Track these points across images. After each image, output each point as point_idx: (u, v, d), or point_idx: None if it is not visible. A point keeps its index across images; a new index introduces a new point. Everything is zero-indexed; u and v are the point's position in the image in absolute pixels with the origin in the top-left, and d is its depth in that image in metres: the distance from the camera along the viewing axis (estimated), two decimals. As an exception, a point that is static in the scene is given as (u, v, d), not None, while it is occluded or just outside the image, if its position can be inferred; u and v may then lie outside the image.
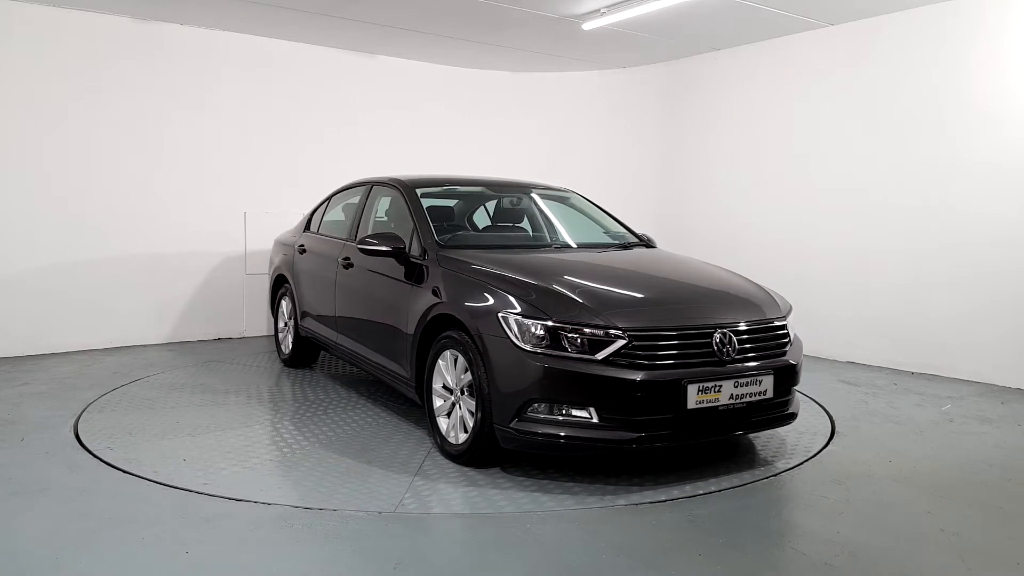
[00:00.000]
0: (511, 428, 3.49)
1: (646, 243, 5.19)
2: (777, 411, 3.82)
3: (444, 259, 4.18)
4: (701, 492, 3.54)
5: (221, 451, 4.05)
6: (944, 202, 6.02)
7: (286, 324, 6.16)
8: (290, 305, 6.03)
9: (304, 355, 6.02)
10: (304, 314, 5.77)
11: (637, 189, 8.56)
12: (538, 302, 3.57)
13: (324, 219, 5.90)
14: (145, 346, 6.95)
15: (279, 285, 6.31)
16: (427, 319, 4.04)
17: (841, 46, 6.66)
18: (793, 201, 7.10)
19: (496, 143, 8.83)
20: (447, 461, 3.90)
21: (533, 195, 5.41)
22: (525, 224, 5.26)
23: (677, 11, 6.26)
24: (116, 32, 6.70)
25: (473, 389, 3.68)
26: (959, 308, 5.94)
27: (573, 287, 3.76)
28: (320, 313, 5.48)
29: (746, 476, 3.75)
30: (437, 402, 4.01)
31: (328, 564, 2.79)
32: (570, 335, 3.43)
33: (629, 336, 3.42)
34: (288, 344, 6.10)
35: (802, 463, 3.98)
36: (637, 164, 8.60)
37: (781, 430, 4.49)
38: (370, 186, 5.35)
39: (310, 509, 3.28)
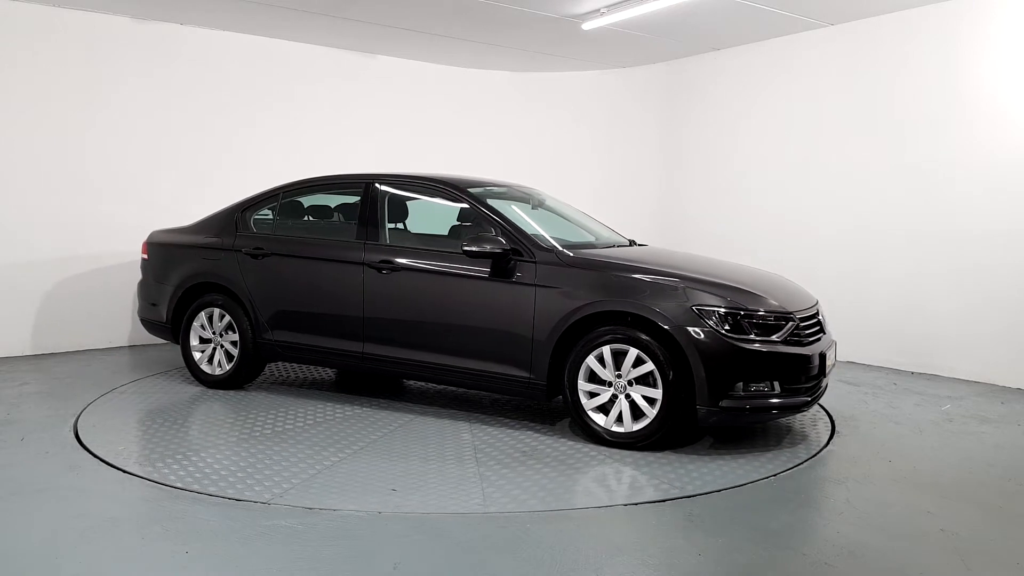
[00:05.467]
0: (719, 408, 3.91)
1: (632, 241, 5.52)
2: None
3: (568, 259, 4.33)
4: (701, 492, 3.54)
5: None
6: (943, 201, 6.02)
7: (209, 340, 5.38)
8: (226, 318, 5.28)
9: (247, 373, 5.31)
10: (273, 326, 5.13)
11: (637, 188, 8.56)
12: (723, 294, 4.04)
13: (278, 220, 5.41)
14: (145, 346, 6.95)
15: (193, 296, 5.42)
16: (571, 320, 4.17)
17: (841, 46, 6.66)
18: (792, 200, 7.09)
19: (496, 143, 8.83)
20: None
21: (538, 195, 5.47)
22: (555, 223, 5.15)
23: (677, 11, 6.26)
24: (116, 32, 6.69)
25: (651, 379, 4.02)
26: (959, 308, 5.94)
27: (726, 279, 4.24)
28: (324, 323, 4.99)
29: (746, 476, 3.75)
30: (584, 398, 4.19)
31: (328, 564, 2.79)
32: (755, 321, 3.99)
33: (798, 319, 4.10)
34: (223, 362, 5.32)
35: (802, 463, 3.98)
36: (636, 164, 8.60)
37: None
38: (367, 184, 5.04)
39: (310, 509, 3.28)
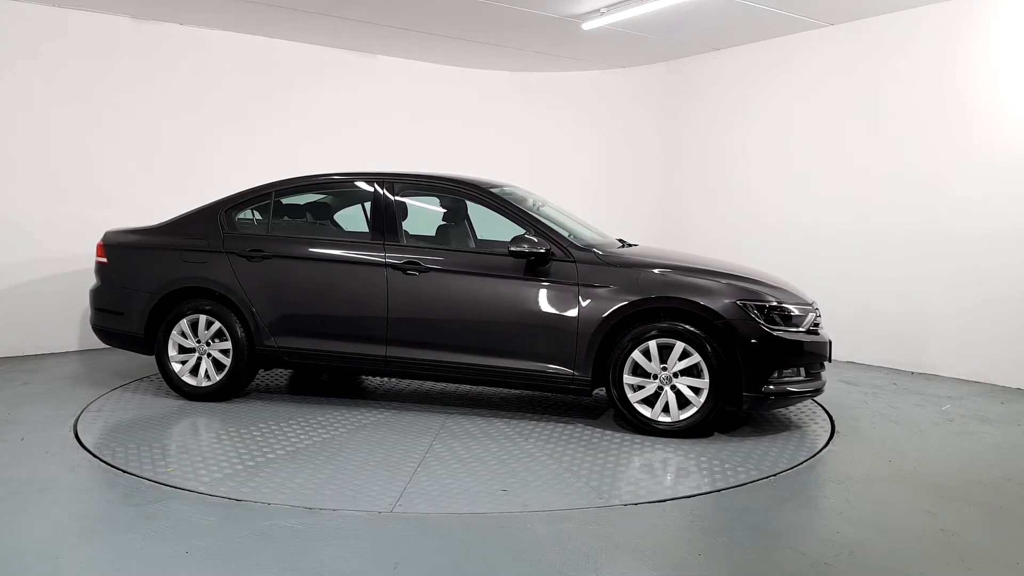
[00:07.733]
0: (761, 393, 4.20)
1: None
2: None
3: (607, 258, 4.52)
4: (701, 492, 3.55)
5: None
6: (943, 202, 6.02)
7: (191, 350, 4.98)
8: (215, 325, 4.92)
9: (241, 383, 4.99)
10: (277, 332, 4.85)
11: (636, 188, 8.56)
12: (760, 289, 4.37)
13: (274, 220, 5.16)
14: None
15: (171, 302, 5.01)
16: (618, 317, 4.35)
17: (841, 46, 6.66)
18: (792, 200, 7.09)
19: (496, 143, 8.83)
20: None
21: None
22: (562, 223, 5.10)
23: (677, 11, 6.26)
24: (116, 32, 6.70)
25: (696, 370, 4.27)
26: (959, 308, 5.94)
27: (749, 274, 4.59)
28: (341, 327, 4.79)
29: (746, 476, 3.75)
30: (629, 392, 4.38)
31: (328, 564, 2.79)
32: (786, 313, 4.33)
33: (816, 311, 4.49)
34: (212, 372, 4.95)
35: (802, 463, 3.98)
36: (637, 164, 8.60)
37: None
38: (380, 184, 4.91)
39: (310, 509, 3.28)
